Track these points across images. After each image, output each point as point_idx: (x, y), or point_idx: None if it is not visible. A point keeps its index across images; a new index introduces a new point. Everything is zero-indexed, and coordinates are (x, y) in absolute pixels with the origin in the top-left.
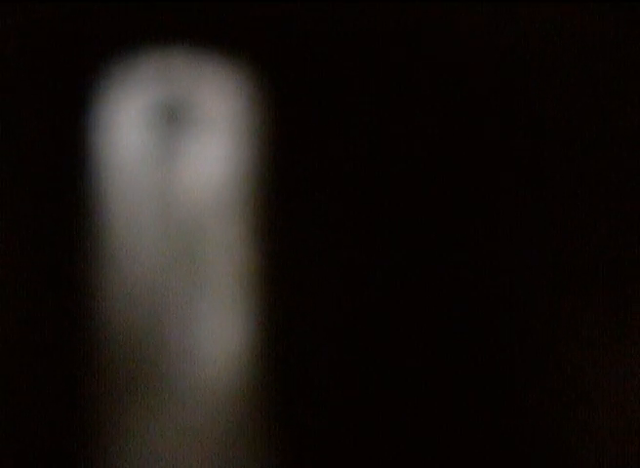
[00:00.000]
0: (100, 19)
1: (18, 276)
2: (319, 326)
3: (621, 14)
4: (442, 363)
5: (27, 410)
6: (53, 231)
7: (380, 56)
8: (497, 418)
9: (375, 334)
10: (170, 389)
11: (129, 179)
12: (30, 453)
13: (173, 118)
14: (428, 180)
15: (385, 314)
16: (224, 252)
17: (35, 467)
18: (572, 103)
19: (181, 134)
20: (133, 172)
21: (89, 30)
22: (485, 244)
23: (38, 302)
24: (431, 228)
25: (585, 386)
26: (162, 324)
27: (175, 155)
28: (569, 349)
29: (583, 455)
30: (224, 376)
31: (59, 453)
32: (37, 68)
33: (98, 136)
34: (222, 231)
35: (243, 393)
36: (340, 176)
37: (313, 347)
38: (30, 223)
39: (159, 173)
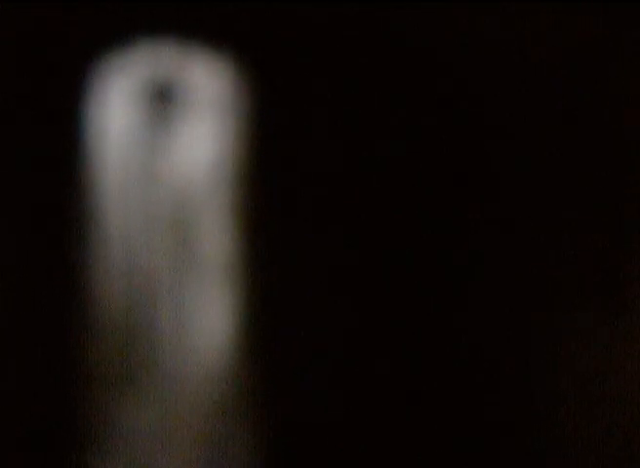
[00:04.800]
0: (96, 10)
1: (11, 255)
2: (305, 305)
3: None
4: (431, 356)
5: (21, 387)
6: (46, 209)
7: (361, 42)
8: (494, 419)
9: (359, 316)
10: (160, 367)
11: (121, 160)
12: (23, 432)
13: (163, 101)
14: (414, 158)
15: (370, 296)
16: (213, 229)
17: (28, 445)
18: (569, 112)
19: (170, 116)
20: (125, 153)
21: (85, 19)
22: (484, 244)
23: (30, 280)
24: (422, 212)
25: (581, 380)
26: (152, 302)
27: (164, 137)
28: (567, 345)
29: (577, 451)
30: (213, 354)
31: (52, 430)
32: (35, 55)
33: (92, 119)
34: (211, 209)
35: (230, 372)
36: (323, 157)
37: (298, 328)
38: (25, 204)
39: (150, 154)
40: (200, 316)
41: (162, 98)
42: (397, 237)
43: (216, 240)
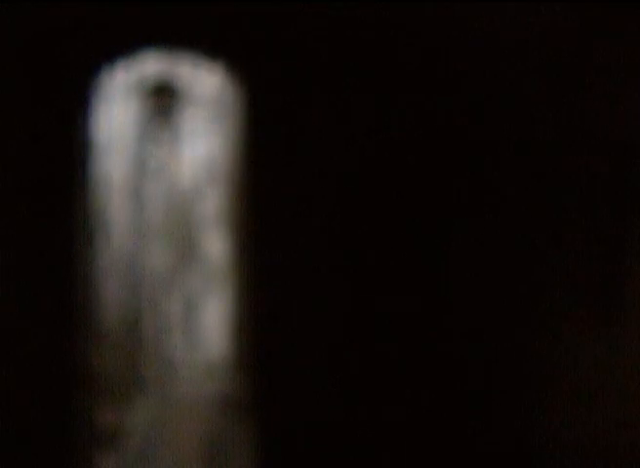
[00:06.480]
0: (102, 17)
1: (15, 255)
2: (305, 305)
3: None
4: (430, 358)
5: (26, 382)
6: (49, 210)
7: (351, 45)
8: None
9: (358, 314)
10: (163, 369)
11: (122, 161)
12: (30, 432)
13: (163, 104)
14: (408, 158)
15: (368, 294)
16: (213, 228)
17: (34, 444)
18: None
19: (170, 119)
20: (126, 153)
21: (90, 25)
22: (483, 250)
23: (33, 279)
24: (422, 214)
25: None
26: (154, 296)
27: (164, 138)
28: (564, 349)
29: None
30: (215, 356)
31: (58, 430)
32: (41, 60)
33: (94, 123)
34: (209, 203)
35: (231, 373)
36: (318, 156)
37: (298, 328)
38: (28, 203)
39: (151, 154)
40: (202, 316)
41: (162, 101)
42: (394, 238)
43: (216, 239)
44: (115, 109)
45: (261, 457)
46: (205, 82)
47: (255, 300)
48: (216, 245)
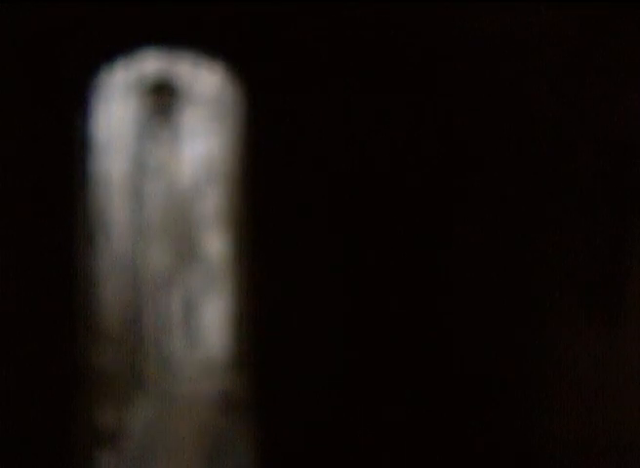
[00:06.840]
0: (104, 17)
1: (15, 255)
2: (304, 303)
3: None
4: (428, 360)
5: (26, 382)
6: (50, 209)
7: (348, 46)
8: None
9: (356, 312)
10: (165, 368)
11: (122, 157)
12: (33, 431)
13: (163, 104)
14: (405, 155)
15: (366, 291)
16: (211, 222)
17: (37, 444)
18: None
19: (170, 118)
20: (126, 150)
21: (92, 32)
22: (475, 245)
23: (35, 277)
24: (421, 215)
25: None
26: (154, 295)
27: (163, 138)
28: (565, 352)
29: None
30: (216, 354)
31: (61, 428)
32: (43, 61)
33: (96, 119)
34: (209, 202)
35: (232, 371)
36: (314, 155)
37: (297, 327)
38: (29, 202)
39: (150, 153)
40: (202, 315)
41: (162, 100)
42: (394, 238)
43: (216, 238)
44: (115, 108)
45: (261, 456)
46: (205, 81)
47: (255, 300)
48: (215, 244)
